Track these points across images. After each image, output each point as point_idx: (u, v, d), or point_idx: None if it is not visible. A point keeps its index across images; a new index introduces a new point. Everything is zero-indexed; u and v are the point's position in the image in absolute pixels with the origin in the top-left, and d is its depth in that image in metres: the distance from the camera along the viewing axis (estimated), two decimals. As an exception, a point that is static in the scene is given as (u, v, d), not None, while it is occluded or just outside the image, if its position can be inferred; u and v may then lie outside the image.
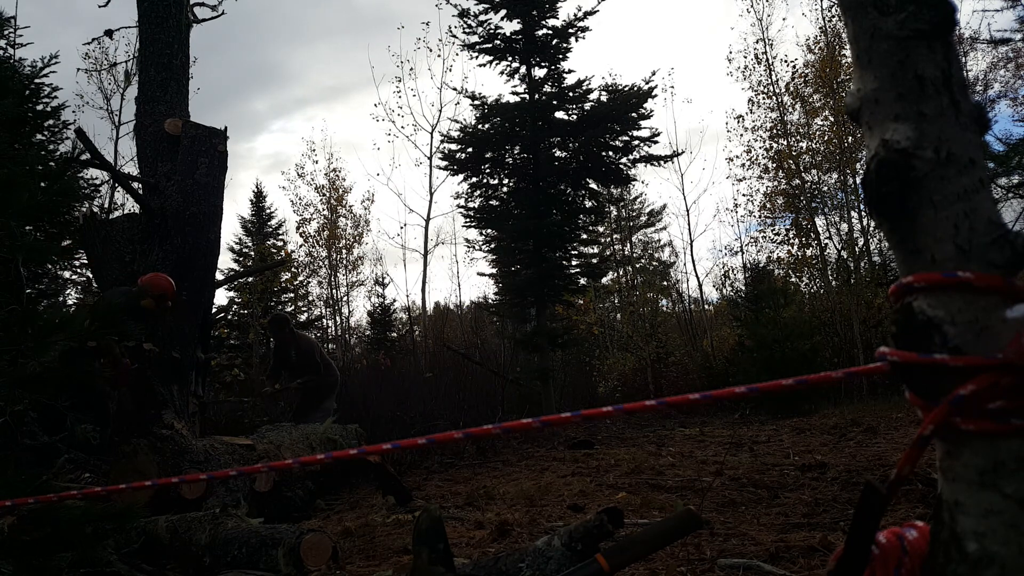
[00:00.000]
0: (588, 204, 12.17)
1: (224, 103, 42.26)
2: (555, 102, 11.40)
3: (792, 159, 16.36)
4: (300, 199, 25.07)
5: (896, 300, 0.81)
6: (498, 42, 11.51)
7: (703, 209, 50.29)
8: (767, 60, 17.41)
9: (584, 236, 12.65)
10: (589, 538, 2.16)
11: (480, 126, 11.53)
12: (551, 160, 11.52)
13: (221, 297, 20.73)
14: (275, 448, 4.97)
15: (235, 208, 67.85)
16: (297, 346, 7.28)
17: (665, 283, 26.12)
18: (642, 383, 15.24)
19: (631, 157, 11.45)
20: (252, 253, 21.52)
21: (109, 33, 9.28)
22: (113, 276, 6.00)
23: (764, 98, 17.40)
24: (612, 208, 21.81)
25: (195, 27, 7.23)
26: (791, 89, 17.06)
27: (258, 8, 41.80)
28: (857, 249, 16.92)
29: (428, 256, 19.59)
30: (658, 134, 11.39)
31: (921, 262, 0.78)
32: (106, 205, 15.11)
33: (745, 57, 17.90)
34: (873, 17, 0.80)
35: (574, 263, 12.18)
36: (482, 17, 11.43)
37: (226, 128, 6.41)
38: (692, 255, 33.87)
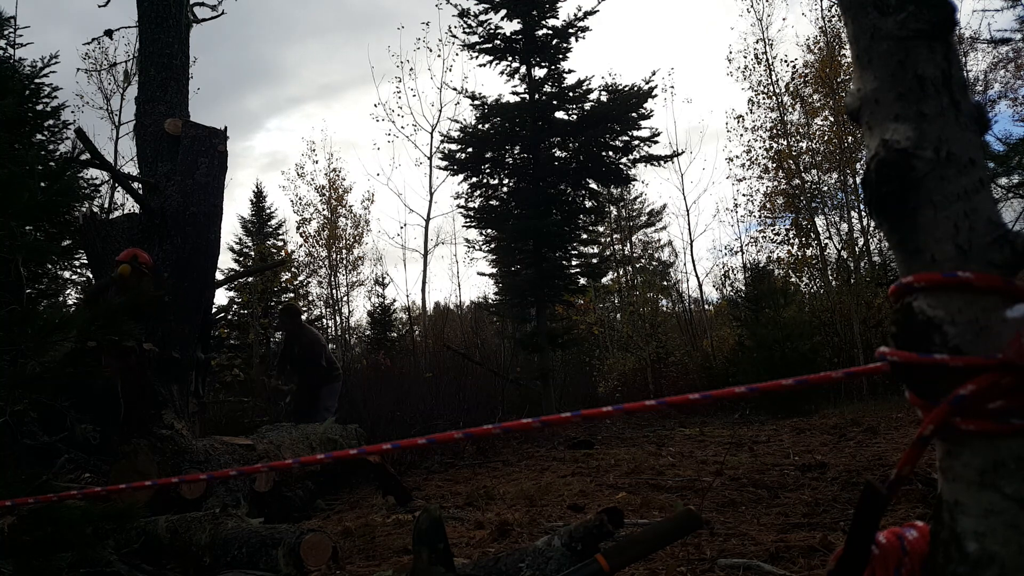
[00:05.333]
0: (588, 204, 12.17)
1: (218, 102, 42.31)
2: (555, 102, 11.40)
3: (792, 159, 16.36)
4: (300, 199, 25.07)
5: (896, 300, 0.81)
6: (498, 42, 11.51)
7: (703, 209, 50.37)
8: (767, 60, 17.42)
9: (584, 236, 12.65)
10: (589, 538, 2.16)
11: (480, 126, 11.53)
12: (551, 160, 11.52)
13: (221, 297, 20.77)
14: (275, 448, 4.97)
15: (235, 208, 67.92)
16: (300, 340, 7.30)
17: (665, 283, 26.12)
18: (642, 383, 15.24)
19: (631, 157, 11.45)
20: (252, 253, 21.52)
21: (109, 33, 9.28)
22: (110, 275, 6.00)
23: (764, 98, 17.41)
24: (612, 208, 21.81)
25: (192, 27, 7.23)
26: (791, 89, 17.06)
27: (248, 6, 41.79)
28: (857, 249, 16.92)
29: (428, 256, 19.61)
30: (658, 134, 11.40)
31: (921, 262, 0.78)
32: (106, 205, 15.12)
33: (745, 57, 17.92)
34: (873, 17, 0.80)
35: (574, 263, 12.18)
36: (482, 17, 11.43)
37: (226, 128, 6.41)
38: (692, 255, 33.94)
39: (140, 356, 4.83)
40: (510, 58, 11.59)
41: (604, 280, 20.08)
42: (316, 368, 7.13)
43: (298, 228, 23.03)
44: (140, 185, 6.30)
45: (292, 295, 21.36)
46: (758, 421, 9.30)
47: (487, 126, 11.52)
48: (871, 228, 16.34)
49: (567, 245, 11.75)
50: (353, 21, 47.73)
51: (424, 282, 19.60)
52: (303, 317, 7.72)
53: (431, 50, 34.73)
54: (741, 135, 19.18)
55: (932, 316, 0.77)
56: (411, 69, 33.95)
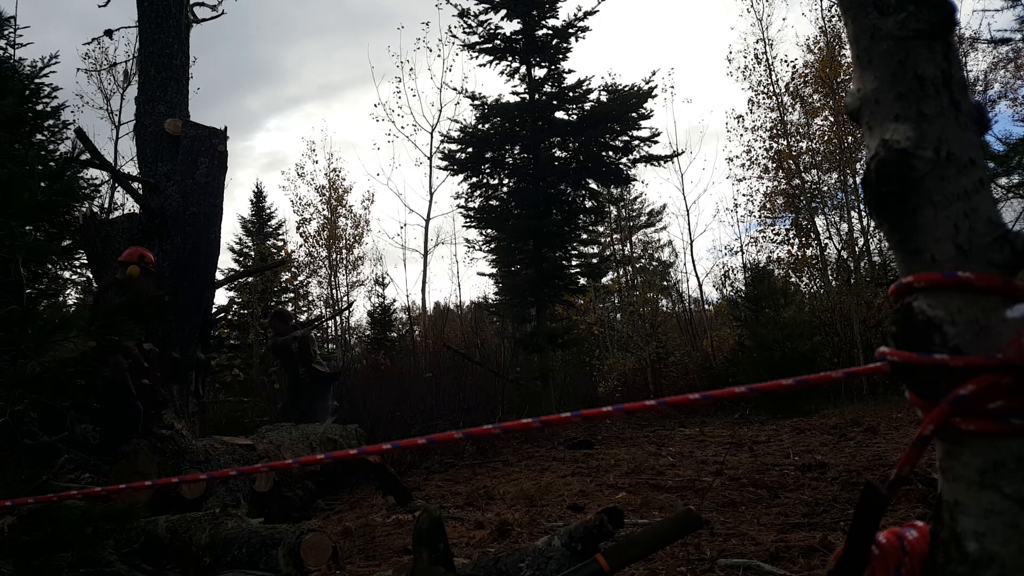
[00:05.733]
0: (588, 204, 12.17)
1: (217, 102, 42.24)
2: (555, 102, 11.40)
3: (792, 159, 16.36)
4: (300, 199, 25.05)
5: (896, 300, 0.81)
6: (498, 42, 11.51)
7: (703, 209, 50.27)
8: (767, 60, 17.42)
9: (584, 236, 12.65)
10: (589, 538, 2.17)
11: (480, 126, 11.53)
12: (551, 160, 11.52)
13: (221, 297, 20.75)
14: (275, 448, 4.97)
15: (235, 208, 67.91)
16: (299, 341, 7.26)
17: (665, 283, 26.12)
18: (642, 383, 15.24)
19: (631, 157, 11.45)
20: (252, 253, 21.51)
21: (109, 33, 9.28)
22: (113, 276, 6.00)
23: (764, 98, 17.41)
24: (612, 208, 21.80)
25: (192, 27, 7.23)
26: (791, 89, 17.06)
27: (247, 6, 41.71)
28: (857, 249, 16.92)
29: (428, 256, 19.61)
30: (658, 134, 11.40)
31: (921, 262, 0.78)
32: (106, 205, 15.11)
33: (745, 57, 17.92)
34: (873, 17, 0.80)
35: (574, 263, 12.18)
36: (482, 17, 11.44)
37: (226, 128, 6.41)
38: (692, 255, 33.91)
39: (140, 356, 4.83)
40: (510, 58, 11.59)
41: (604, 280, 20.08)
42: (313, 368, 7.07)
43: (298, 228, 23.05)
44: (140, 185, 6.30)
45: (292, 295, 21.37)
46: (758, 421, 9.30)
47: (487, 126, 11.52)
48: (871, 228, 16.34)
49: (567, 245, 11.75)
50: (353, 21, 47.75)
51: (424, 282, 19.61)
52: (292, 319, 7.66)
53: (431, 50, 34.71)
54: (741, 135, 19.22)
55: (932, 316, 0.77)
56: (411, 69, 33.94)
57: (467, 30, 11.56)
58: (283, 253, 20.39)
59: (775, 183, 17.45)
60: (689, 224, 29.32)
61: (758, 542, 2.89)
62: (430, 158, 19.33)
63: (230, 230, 28.32)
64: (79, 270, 8.58)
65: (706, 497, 3.89)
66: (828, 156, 16.56)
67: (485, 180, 11.87)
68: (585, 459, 6.22)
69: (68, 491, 2.15)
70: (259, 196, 23.96)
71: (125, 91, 19.31)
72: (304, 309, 22.51)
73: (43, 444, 4.24)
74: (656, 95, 11.21)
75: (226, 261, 22.39)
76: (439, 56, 32.62)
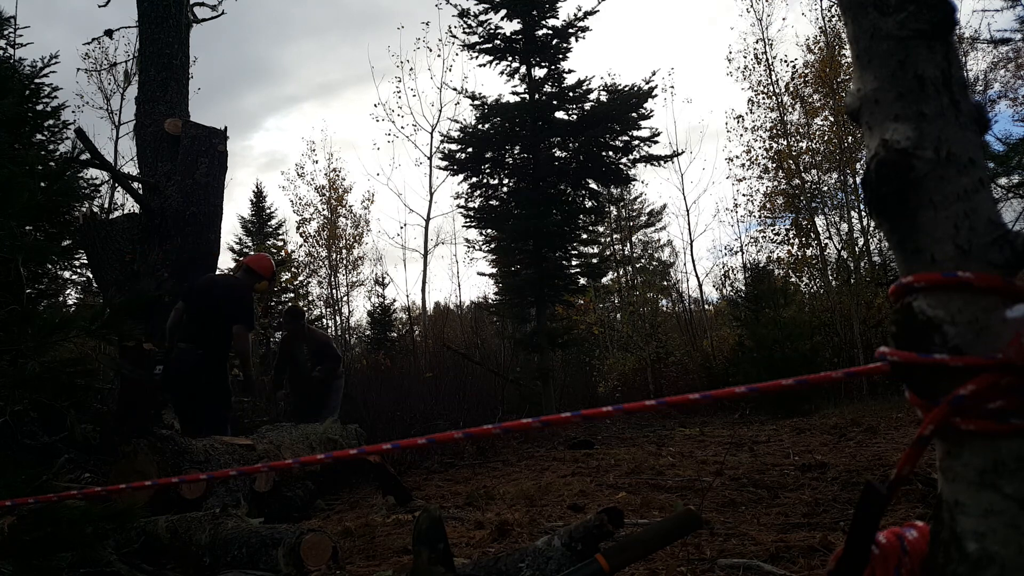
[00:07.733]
0: (588, 204, 12.16)
1: (215, 101, 42.23)
2: (555, 102, 11.39)
3: (792, 159, 16.35)
4: (300, 199, 25.09)
5: (896, 300, 0.81)
6: (498, 42, 11.51)
7: (703, 209, 50.40)
8: (767, 60, 17.43)
9: (584, 236, 12.64)
10: (589, 538, 2.16)
11: (480, 126, 11.53)
12: (551, 160, 11.51)
13: (221, 297, 20.71)
14: (275, 448, 4.97)
15: (235, 208, 67.95)
16: (313, 339, 7.31)
17: (665, 283, 26.13)
18: (642, 383, 15.25)
19: (631, 157, 11.45)
20: (252, 253, 21.50)
21: (109, 33, 9.28)
22: (113, 276, 6.01)
23: (764, 98, 17.42)
24: (612, 208, 21.79)
25: (192, 27, 7.23)
26: (791, 89, 17.06)
27: (245, 4, 41.60)
28: (857, 249, 16.92)
29: (428, 256, 19.62)
30: (658, 134, 11.39)
31: (921, 262, 0.78)
32: (106, 205, 15.12)
33: (745, 57, 17.95)
34: (873, 17, 0.80)
35: (574, 263, 12.17)
36: (482, 17, 11.43)
37: (226, 128, 6.41)
38: (692, 255, 33.98)
39: (140, 355, 4.84)
40: (510, 58, 11.59)
41: (604, 280, 20.07)
42: (334, 361, 7.14)
43: (298, 228, 23.08)
44: (140, 185, 6.30)
45: (292, 295, 21.35)
46: (758, 421, 9.30)
47: (487, 126, 11.51)
48: (871, 228, 16.35)
49: (567, 245, 11.75)
50: (351, 20, 47.78)
51: (424, 282, 19.62)
52: (305, 317, 7.64)
53: (431, 50, 34.73)
54: (741, 135, 19.26)
55: (932, 316, 0.77)
56: (411, 69, 34.03)
57: (467, 30, 11.56)
58: (283, 253, 20.39)
59: (775, 183, 17.47)
60: (689, 224, 29.40)
61: (758, 542, 2.89)
62: (430, 158, 19.36)
63: (230, 230, 28.35)
64: (79, 270, 8.57)
65: (706, 497, 3.89)
66: (828, 156, 16.56)
67: (485, 180, 11.87)
68: (585, 459, 6.22)
69: (68, 491, 2.14)
70: (259, 196, 23.94)
71: (125, 91, 19.35)
72: (304, 309, 22.46)
73: (43, 444, 4.24)
74: (656, 95, 11.21)
75: (226, 261, 22.44)
76: (439, 56, 32.78)
